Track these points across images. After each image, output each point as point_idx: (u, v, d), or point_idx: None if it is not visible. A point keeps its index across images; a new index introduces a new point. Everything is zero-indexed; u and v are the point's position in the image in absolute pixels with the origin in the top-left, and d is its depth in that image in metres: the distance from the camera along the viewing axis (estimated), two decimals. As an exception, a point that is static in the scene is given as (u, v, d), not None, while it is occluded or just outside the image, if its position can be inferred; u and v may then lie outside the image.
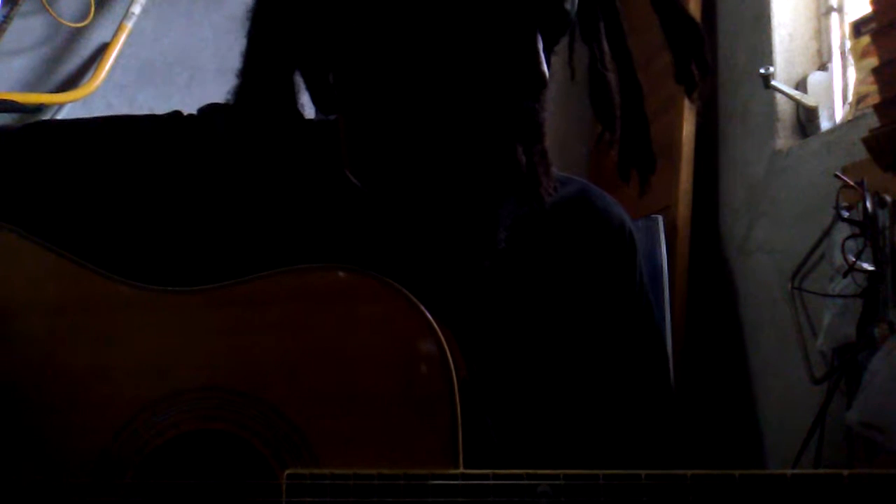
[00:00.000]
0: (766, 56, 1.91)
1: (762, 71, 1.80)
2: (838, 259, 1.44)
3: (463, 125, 0.70)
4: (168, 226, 0.75)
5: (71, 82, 2.24)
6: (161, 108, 0.84)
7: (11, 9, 2.09)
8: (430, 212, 0.74)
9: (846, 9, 1.89)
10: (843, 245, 1.40)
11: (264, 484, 0.62)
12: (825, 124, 1.84)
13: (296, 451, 0.63)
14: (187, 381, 0.65)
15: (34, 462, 0.66)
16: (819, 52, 1.94)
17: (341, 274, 0.66)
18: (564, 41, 0.76)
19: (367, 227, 0.76)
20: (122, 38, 2.19)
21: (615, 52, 0.80)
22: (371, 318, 0.64)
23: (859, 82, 1.75)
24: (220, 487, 0.63)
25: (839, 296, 1.45)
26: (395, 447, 0.62)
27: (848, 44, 1.84)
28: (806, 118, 1.88)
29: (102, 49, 2.23)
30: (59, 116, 2.13)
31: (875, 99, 1.52)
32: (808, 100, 1.85)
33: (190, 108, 0.83)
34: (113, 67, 2.19)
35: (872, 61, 1.55)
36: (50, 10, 2.15)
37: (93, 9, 2.20)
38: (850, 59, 1.83)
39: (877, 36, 1.46)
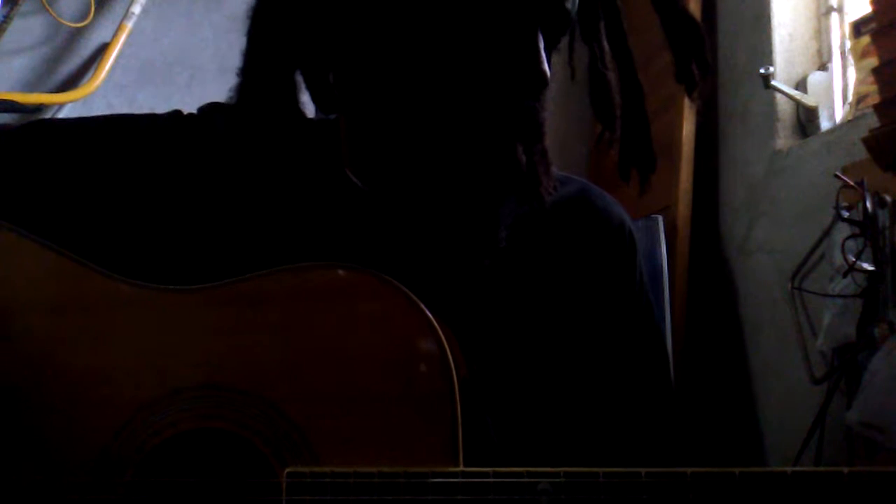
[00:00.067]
0: (766, 56, 1.91)
1: (762, 71, 1.80)
2: (838, 259, 1.44)
3: (463, 124, 0.70)
4: (168, 224, 0.75)
5: (71, 82, 2.24)
6: (161, 108, 0.84)
7: (11, 9, 2.09)
8: (430, 211, 0.74)
9: (846, 9, 1.89)
10: (843, 245, 1.40)
11: (265, 482, 0.62)
12: (825, 124, 1.84)
13: (296, 449, 0.63)
14: (187, 380, 0.65)
15: (34, 461, 0.66)
16: (819, 52, 1.94)
17: (341, 272, 0.66)
18: (565, 40, 0.76)
19: (367, 226, 0.76)
20: (122, 38, 2.19)
21: (615, 51, 0.80)
22: (371, 316, 0.64)
23: (859, 82, 1.75)
24: (221, 486, 0.63)
25: (839, 296, 1.45)
26: (395, 445, 0.62)
27: (848, 44, 1.84)
28: (806, 118, 1.88)
29: (102, 49, 2.23)
30: (59, 116, 2.13)
31: (875, 99, 1.52)
32: (808, 100, 1.85)
33: (190, 107, 0.83)
34: (113, 67, 2.19)
35: (872, 61, 1.55)
36: (50, 10, 2.15)
37: (93, 9, 2.20)
38: (850, 59, 1.83)
39: (877, 36, 1.46)
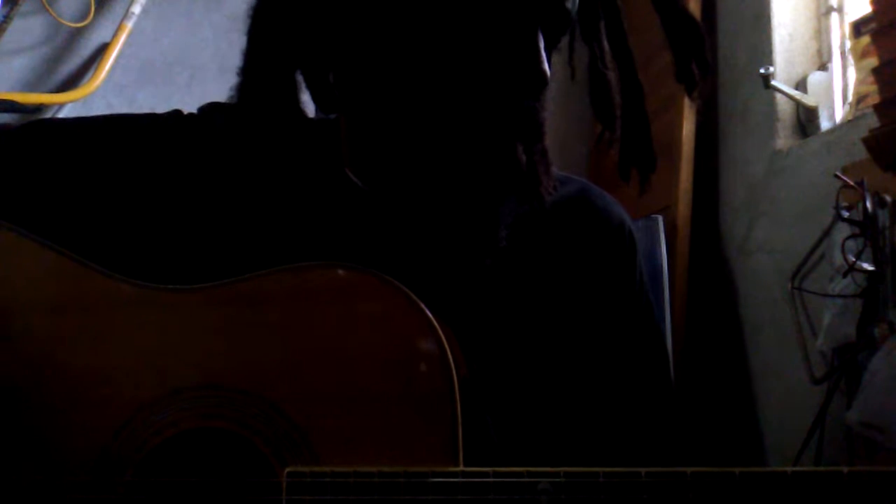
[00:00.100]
0: (766, 56, 1.91)
1: (762, 71, 1.80)
2: (838, 259, 1.44)
3: (464, 124, 0.70)
4: (168, 224, 0.75)
5: (71, 82, 2.24)
6: (161, 108, 0.84)
7: (11, 9, 2.09)
8: (430, 210, 0.74)
9: (846, 9, 1.89)
10: (843, 245, 1.40)
11: (265, 482, 0.62)
12: (825, 124, 1.84)
13: (296, 449, 0.63)
14: (187, 380, 0.65)
15: (34, 461, 0.66)
16: (819, 52, 1.94)
17: (341, 272, 0.66)
18: (565, 40, 0.76)
19: (367, 226, 0.76)
20: (122, 38, 2.19)
21: (615, 51, 0.80)
22: (371, 316, 0.64)
23: (859, 82, 1.75)
24: (221, 486, 0.63)
25: (839, 296, 1.45)
26: (395, 445, 0.62)
27: (848, 44, 1.84)
28: (806, 118, 1.88)
29: (102, 49, 2.23)
30: (59, 116, 2.13)
31: (875, 99, 1.52)
32: (808, 100, 1.85)
33: (190, 107, 0.83)
34: (113, 67, 2.19)
35: (872, 61, 1.55)
36: (50, 10, 2.15)
37: (93, 9, 2.20)
38: (850, 59, 1.83)
39: (877, 36, 1.46)
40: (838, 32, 1.90)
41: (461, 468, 0.60)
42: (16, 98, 2.07)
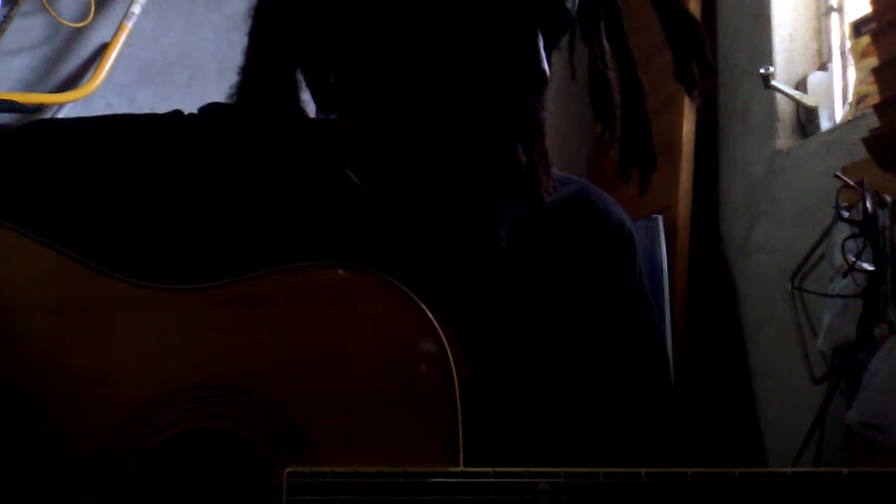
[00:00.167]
0: (766, 56, 1.91)
1: (762, 71, 1.80)
2: (838, 259, 1.44)
3: (463, 124, 0.70)
4: (168, 224, 0.75)
5: (71, 82, 2.24)
6: (161, 108, 0.84)
7: (11, 9, 2.09)
8: (430, 210, 0.74)
9: (846, 9, 1.89)
10: (843, 245, 1.40)
11: (265, 482, 0.62)
12: (825, 124, 1.84)
13: (296, 449, 0.63)
14: (187, 380, 0.65)
15: (34, 461, 0.66)
16: (819, 52, 1.94)
17: (341, 272, 0.66)
18: (565, 40, 0.76)
19: (367, 226, 0.76)
20: (122, 38, 2.19)
21: (615, 51, 0.80)
22: (371, 316, 0.64)
23: (859, 82, 1.75)
24: (221, 486, 0.63)
25: (839, 296, 1.45)
26: (395, 445, 0.62)
27: (848, 44, 1.84)
28: (806, 118, 1.88)
29: (102, 49, 2.23)
30: (59, 116, 2.13)
31: (875, 99, 1.52)
32: (808, 100, 1.85)
33: (190, 107, 0.83)
34: (113, 67, 2.19)
35: (872, 61, 1.55)
36: (50, 10, 2.15)
37: (93, 9, 2.19)
38: (850, 59, 1.83)
39: (877, 36, 1.46)
40: (838, 32, 1.90)
41: (461, 468, 0.60)
42: (16, 98, 2.07)
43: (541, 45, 0.70)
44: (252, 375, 0.64)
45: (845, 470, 0.54)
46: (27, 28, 2.18)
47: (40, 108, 2.12)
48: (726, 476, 0.56)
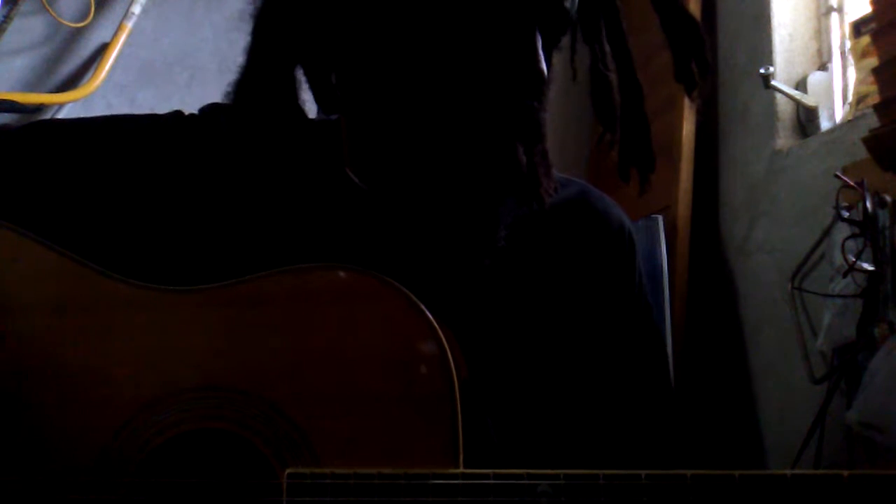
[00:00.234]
0: (766, 56, 1.91)
1: (762, 71, 1.80)
2: (838, 259, 1.44)
3: (463, 124, 0.70)
4: (168, 225, 0.75)
5: (71, 82, 2.23)
6: (161, 108, 0.84)
7: (11, 9, 2.09)
8: (430, 211, 0.74)
9: (846, 9, 1.89)
10: (843, 245, 1.40)
11: (265, 483, 0.62)
12: (825, 124, 1.84)
13: (297, 450, 0.63)
14: (187, 380, 0.65)
15: (34, 461, 0.66)
16: (819, 52, 1.94)
17: (342, 273, 0.66)
18: (566, 41, 0.76)
19: (368, 227, 0.76)
20: (122, 38, 2.19)
21: (616, 51, 0.80)
22: (372, 317, 0.64)
23: (859, 82, 1.75)
24: (221, 486, 0.63)
25: (839, 296, 1.45)
26: (395, 446, 0.62)
27: (848, 44, 1.84)
28: (806, 118, 1.88)
29: (102, 49, 2.22)
30: (59, 116, 2.13)
31: (875, 99, 1.52)
32: (808, 100, 1.85)
33: (190, 107, 0.83)
34: (113, 67, 2.19)
35: (872, 61, 1.55)
36: (50, 10, 2.15)
37: (93, 9, 2.19)
38: (850, 59, 1.83)
39: (877, 36, 1.46)
40: (838, 32, 1.90)
41: (461, 470, 0.60)
42: (16, 98, 2.07)
43: (539, 44, 0.70)
44: (252, 376, 0.64)
45: (845, 472, 0.54)
46: (27, 28, 2.18)
47: (40, 108, 2.12)
48: (726, 478, 0.56)
